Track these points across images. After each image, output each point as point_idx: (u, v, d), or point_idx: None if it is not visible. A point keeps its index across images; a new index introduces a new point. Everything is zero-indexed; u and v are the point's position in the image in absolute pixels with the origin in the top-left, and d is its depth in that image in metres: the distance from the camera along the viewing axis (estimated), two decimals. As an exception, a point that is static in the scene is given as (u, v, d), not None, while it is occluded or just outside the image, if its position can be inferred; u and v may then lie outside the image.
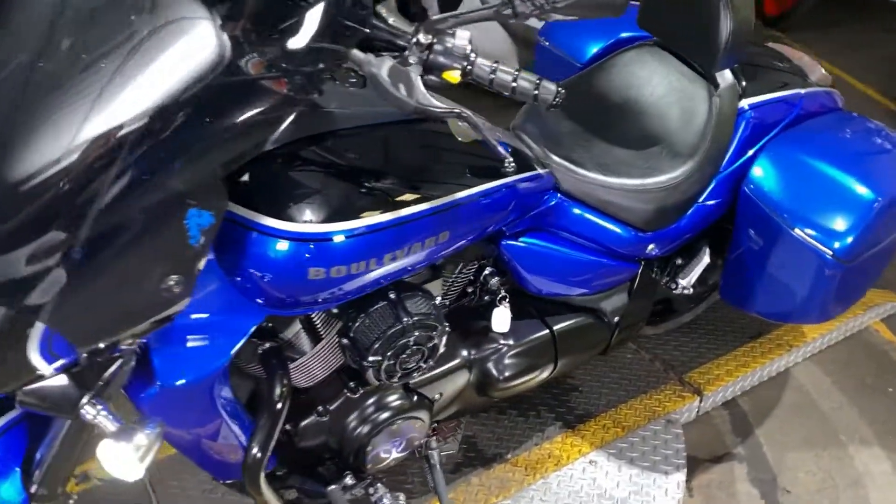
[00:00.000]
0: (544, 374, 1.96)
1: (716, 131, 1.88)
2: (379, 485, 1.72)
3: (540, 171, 1.74)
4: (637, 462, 2.13)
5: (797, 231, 1.82)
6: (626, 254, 1.92)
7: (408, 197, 1.38)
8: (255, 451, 1.40)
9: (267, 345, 1.45)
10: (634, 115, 1.97)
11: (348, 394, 1.64)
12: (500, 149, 1.33)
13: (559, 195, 1.80)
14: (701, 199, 1.95)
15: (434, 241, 1.43)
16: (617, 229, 1.87)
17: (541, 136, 1.84)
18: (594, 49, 2.21)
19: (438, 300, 1.65)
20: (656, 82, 1.98)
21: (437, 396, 1.82)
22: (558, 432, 2.22)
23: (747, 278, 2.02)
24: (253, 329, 1.37)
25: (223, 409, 1.43)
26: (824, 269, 1.83)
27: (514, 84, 1.25)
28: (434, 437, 1.88)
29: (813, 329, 2.60)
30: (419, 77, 1.22)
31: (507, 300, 1.84)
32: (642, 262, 1.98)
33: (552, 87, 1.26)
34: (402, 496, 1.74)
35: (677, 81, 1.96)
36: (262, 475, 1.42)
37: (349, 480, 1.71)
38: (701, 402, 2.36)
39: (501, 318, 1.84)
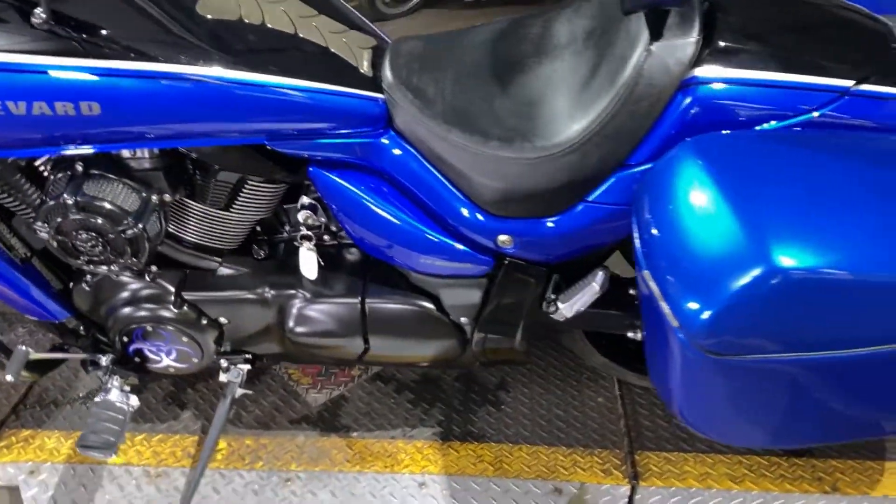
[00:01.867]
0: (350, 349, 1.60)
1: (625, 103, 1.24)
2: (116, 377, 1.62)
3: (364, 92, 1.37)
4: (472, 512, 1.64)
5: (646, 275, 1.14)
6: (470, 237, 1.43)
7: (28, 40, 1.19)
8: None
9: None
10: (553, 58, 1.41)
11: (110, 272, 1.55)
12: None
13: (393, 133, 1.41)
14: (589, 197, 1.34)
15: (75, 109, 1.23)
16: (454, 200, 1.40)
17: (414, 58, 1.43)
18: None
19: (166, 198, 1.44)
20: (608, 19, 1.37)
21: (223, 321, 1.62)
22: (427, 437, 1.81)
23: (647, 345, 1.35)
24: None
25: None
26: (685, 351, 1.13)
27: None
28: (234, 367, 1.69)
29: (899, 484, 1.66)
30: None
31: (313, 242, 1.54)
32: (505, 260, 1.46)
33: None
34: (134, 398, 1.61)
35: (635, 24, 1.31)
36: None
37: (103, 361, 1.64)
38: (633, 493, 1.69)
39: (306, 262, 1.56)
